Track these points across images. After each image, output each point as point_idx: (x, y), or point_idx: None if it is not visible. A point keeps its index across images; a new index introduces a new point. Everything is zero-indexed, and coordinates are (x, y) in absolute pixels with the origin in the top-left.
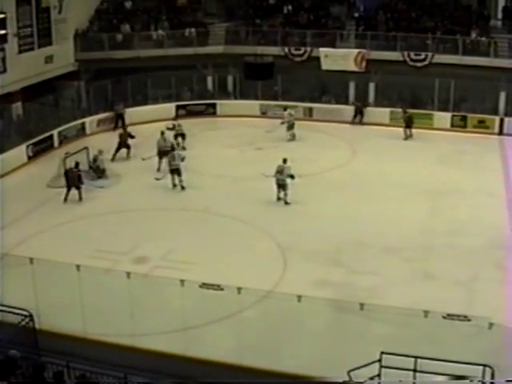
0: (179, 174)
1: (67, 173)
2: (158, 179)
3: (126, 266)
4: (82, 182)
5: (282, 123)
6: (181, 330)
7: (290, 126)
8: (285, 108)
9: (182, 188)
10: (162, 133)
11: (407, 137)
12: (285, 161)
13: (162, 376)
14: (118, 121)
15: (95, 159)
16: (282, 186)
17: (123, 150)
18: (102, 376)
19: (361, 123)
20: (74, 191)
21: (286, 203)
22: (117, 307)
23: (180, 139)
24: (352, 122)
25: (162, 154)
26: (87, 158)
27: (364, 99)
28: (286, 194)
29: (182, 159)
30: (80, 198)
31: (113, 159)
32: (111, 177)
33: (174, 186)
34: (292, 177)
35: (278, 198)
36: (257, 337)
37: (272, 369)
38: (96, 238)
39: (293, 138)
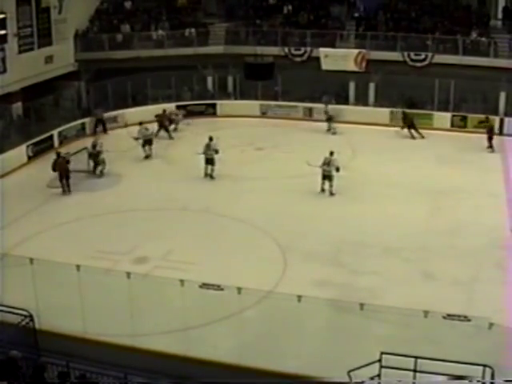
0: (213, 164)
1: (55, 163)
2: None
3: (126, 266)
4: (69, 171)
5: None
6: (181, 330)
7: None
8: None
9: (212, 177)
10: (141, 123)
11: (414, 137)
12: (331, 153)
13: (162, 376)
14: (98, 125)
15: (94, 145)
16: (327, 177)
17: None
18: (102, 376)
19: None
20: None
21: (332, 194)
22: (117, 307)
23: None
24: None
25: (146, 142)
26: (87, 159)
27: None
28: (331, 186)
29: (216, 151)
30: (68, 190)
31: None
32: (111, 176)
33: (206, 175)
34: (338, 169)
35: (322, 190)
36: (257, 337)
37: (272, 369)
38: (96, 239)
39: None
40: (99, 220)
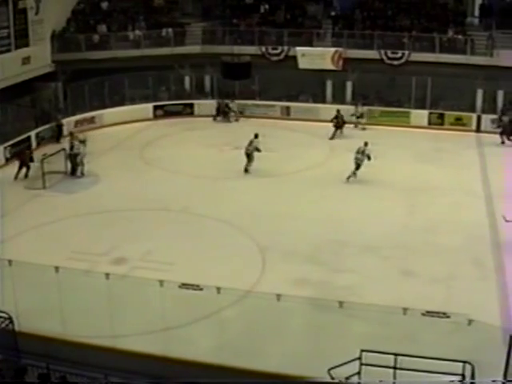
0: (249, 160)
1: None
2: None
3: (104, 267)
4: (33, 160)
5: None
6: (161, 330)
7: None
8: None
9: (246, 171)
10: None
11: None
12: (366, 144)
13: (143, 377)
14: (60, 131)
15: (72, 146)
16: (359, 164)
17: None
18: (83, 377)
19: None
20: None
21: (350, 177)
22: (96, 308)
23: None
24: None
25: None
26: (64, 159)
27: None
28: (354, 173)
29: (257, 149)
30: (26, 176)
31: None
32: (89, 177)
33: (246, 170)
34: (369, 158)
35: (353, 174)
36: (236, 336)
37: (252, 368)
38: (75, 240)
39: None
40: (78, 221)
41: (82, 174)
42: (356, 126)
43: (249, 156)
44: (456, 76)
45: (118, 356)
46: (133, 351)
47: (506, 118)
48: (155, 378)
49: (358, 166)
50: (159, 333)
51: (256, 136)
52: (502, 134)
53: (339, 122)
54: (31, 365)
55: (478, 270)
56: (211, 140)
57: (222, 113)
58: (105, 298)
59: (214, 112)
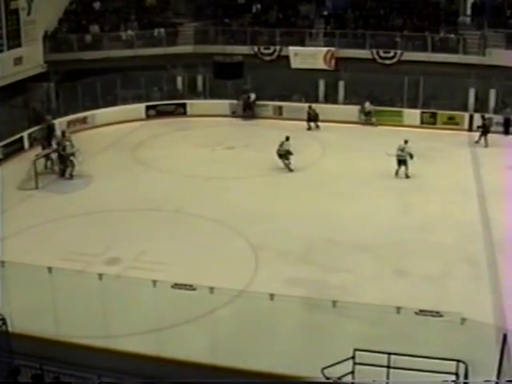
0: (283, 158)
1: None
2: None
3: (98, 268)
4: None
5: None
6: (154, 330)
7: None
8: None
9: (290, 170)
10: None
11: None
12: (406, 141)
13: (136, 377)
14: (51, 132)
15: (64, 147)
16: (402, 161)
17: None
18: (76, 378)
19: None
20: None
21: (407, 177)
22: (89, 309)
23: None
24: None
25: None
26: (57, 160)
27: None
28: (406, 168)
29: (288, 151)
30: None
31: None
32: (82, 178)
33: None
34: (411, 156)
35: (397, 173)
36: (230, 336)
37: (246, 368)
38: (68, 240)
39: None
40: (71, 222)
41: (71, 175)
42: (365, 125)
43: (281, 156)
44: (448, 75)
45: (111, 356)
46: (126, 351)
47: (488, 118)
48: (148, 379)
49: (401, 163)
50: (152, 333)
51: (287, 138)
52: (483, 133)
53: (311, 116)
54: (24, 365)
55: (471, 268)
56: (203, 140)
57: (248, 108)
58: (98, 298)
59: (238, 111)
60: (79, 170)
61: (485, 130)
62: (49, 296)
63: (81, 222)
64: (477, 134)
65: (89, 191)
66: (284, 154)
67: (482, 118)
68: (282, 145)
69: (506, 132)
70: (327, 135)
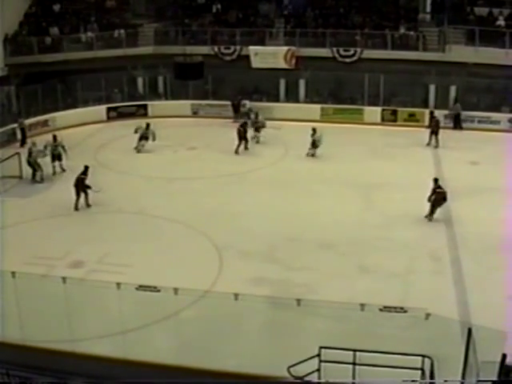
0: (258, 132)
1: (77, 181)
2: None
3: (61, 271)
4: (89, 187)
5: None
6: (119, 333)
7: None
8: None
9: (258, 142)
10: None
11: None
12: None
13: (103, 380)
14: (23, 134)
15: (31, 152)
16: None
17: None
18: (43, 383)
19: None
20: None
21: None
22: (54, 313)
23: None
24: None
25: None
26: (19, 164)
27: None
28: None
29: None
30: (88, 205)
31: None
32: (44, 181)
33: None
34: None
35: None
36: (196, 337)
37: (212, 368)
38: (30, 244)
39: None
40: (33, 225)
41: (42, 179)
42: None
43: (257, 129)
44: (409, 72)
45: (77, 360)
46: (93, 355)
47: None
48: (115, 381)
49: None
50: (118, 335)
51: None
52: (432, 133)
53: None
54: None
55: (434, 264)
56: (165, 141)
57: (237, 110)
58: (62, 302)
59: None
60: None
61: (433, 129)
62: (13, 301)
63: (43, 225)
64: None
65: (50, 194)
66: (259, 127)
67: (431, 115)
68: (257, 116)
69: (455, 127)
70: (288, 134)
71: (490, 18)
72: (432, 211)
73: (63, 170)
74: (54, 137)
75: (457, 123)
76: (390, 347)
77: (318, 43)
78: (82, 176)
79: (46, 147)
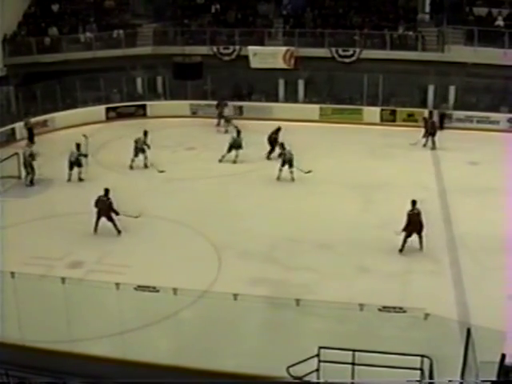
0: (290, 166)
1: (97, 202)
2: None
3: (60, 272)
4: (117, 213)
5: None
6: (118, 333)
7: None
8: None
9: (292, 179)
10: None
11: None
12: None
13: (102, 380)
14: (30, 133)
15: (31, 153)
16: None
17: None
18: (42, 383)
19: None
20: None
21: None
22: (53, 313)
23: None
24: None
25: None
26: (18, 164)
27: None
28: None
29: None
30: (118, 232)
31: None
32: (43, 182)
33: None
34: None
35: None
36: (194, 337)
37: (211, 369)
38: (30, 245)
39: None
40: (32, 226)
41: (32, 182)
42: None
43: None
44: (407, 72)
45: (76, 361)
46: (91, 355)
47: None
48: (114, 382)
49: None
50: (117, 336)
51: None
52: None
53: (219, 111)
54: None
55: (433, 264)
56: (164, 141)
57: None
58: (61, 302)
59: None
60: (39, 175)
61: (429, 130)
62: (13, 301)
63: (42, 225)
64: (438, 131)
65: (49, 195)
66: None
67: (429, 115)
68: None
69: (441, 127)
70: (288, 135)
71: (489, 18)
72: (405, 240)
73: (80, 180)
74: (78, 145)
75: (441, 122)
76: (389, 347)
77: (316, 43)
78: (107, 199)
79: (72, 155)
